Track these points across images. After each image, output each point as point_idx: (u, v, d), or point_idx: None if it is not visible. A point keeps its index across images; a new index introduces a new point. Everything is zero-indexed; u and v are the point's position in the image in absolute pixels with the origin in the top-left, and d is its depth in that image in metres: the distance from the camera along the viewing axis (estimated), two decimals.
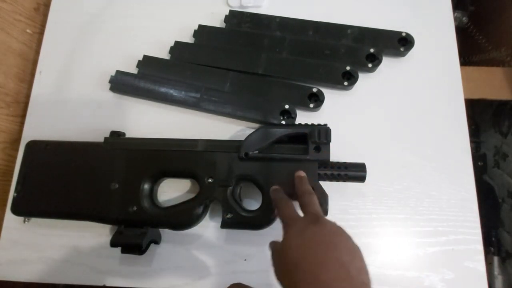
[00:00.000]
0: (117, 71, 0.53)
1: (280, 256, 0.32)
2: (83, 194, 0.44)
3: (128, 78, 0.52)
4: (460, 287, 0.43)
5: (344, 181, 0.42)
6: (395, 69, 0.52)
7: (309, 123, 0.43)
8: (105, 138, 0.47)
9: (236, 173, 0.43)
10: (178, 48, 0.54)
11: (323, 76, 0.50)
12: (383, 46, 0.51)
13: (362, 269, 0.29)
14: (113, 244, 0.42)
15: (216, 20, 0.56)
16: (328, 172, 0.42)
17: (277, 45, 0.52)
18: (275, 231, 0.39)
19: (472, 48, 0.76)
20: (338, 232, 0.31)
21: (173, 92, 0.51)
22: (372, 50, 0.50)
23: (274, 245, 0.35)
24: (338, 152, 0.42)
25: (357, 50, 0.51)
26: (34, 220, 0.48)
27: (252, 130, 0.43)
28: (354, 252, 0.30)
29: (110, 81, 0.52)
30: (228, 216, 0.41)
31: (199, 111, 0.51)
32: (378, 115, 0.50)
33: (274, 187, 0.41)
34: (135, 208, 0.43)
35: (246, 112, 0.49)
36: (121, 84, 0.52)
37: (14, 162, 0.52)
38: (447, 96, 0.50)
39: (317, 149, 0.41)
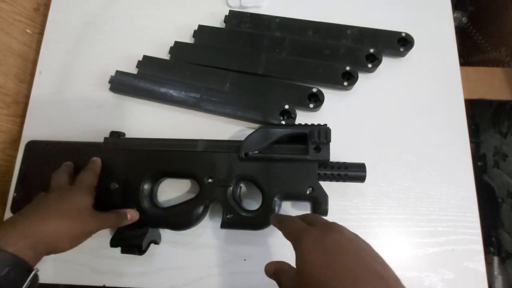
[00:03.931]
0: (117, 71, 0.53)
1: (299, 277, 0.27)
2: None
3: (128, 78, 0.52)
4: (460, 287, 0.43)
5: (344, 181, 0.42)
6: (395, 69, 0.52)
7: (309, 123, 0.43)
8: (105, 138, 0.47)
9: (236, 173, 0.43)
10: (178, 48, 0.54)
11: (323, 76, 0.50)
12: (383, 46, 0.51)
13: (398, 279, 0.25)
14: (113, 244, 0.42)
15: (216, 20, 0.56)
16: (328, 172, 0.42)
17: (277, 45, 0.52)
18: (275, 231, 0.39)
19: (472, 48, 0.76)
20: (357, 238, 0.28)
21: (173, 92, 0.51)
22: (371, 51, 0.50)
23: (281, 266, 0.30)
24: (338, 152, 0.42)
25: (357, 50, 0.51)
26: None
27: (252, 130, 0.43)
28: (379, 258, 0.26)
29: (110, 81, 0.52)
30: (228, 216, 0.41)
31: (199, 111, 0.51)
32: (378, 115, 0.50)
33: (272, 215, 0.39)
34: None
35: (246, 112, 0.49)
36: (121, 84, 0.52)
37: (14, 162, 0.51)
38: (447, 96, 0.50)
39: (317, 149, 0.41)
